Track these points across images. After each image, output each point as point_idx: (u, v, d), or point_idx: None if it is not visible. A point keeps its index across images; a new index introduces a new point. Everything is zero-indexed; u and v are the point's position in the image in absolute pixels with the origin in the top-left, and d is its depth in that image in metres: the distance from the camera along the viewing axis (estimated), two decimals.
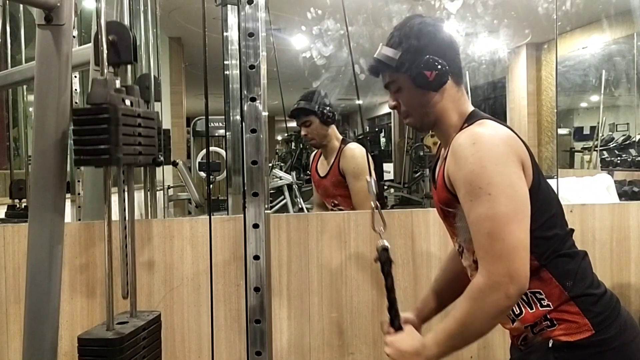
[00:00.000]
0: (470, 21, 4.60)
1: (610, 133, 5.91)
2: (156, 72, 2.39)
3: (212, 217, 1.88)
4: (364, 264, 2.02)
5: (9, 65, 2.77)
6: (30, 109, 2.97)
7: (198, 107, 7.39)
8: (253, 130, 1.27)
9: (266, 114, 1.30)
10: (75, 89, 2.81)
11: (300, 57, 5.35)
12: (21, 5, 2.87)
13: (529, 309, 1.19)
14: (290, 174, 5.36)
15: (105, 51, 1.04)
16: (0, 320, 1.91)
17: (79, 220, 2.60)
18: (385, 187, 7.52)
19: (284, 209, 5.26)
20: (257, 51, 1.27)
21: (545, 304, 1.17)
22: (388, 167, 9.80)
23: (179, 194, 5.24)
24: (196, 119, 6.01)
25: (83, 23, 2.70)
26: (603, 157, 5.50)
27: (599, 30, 5.70)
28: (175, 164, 3.51)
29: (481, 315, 1.10)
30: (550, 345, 1.16)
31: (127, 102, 1.04)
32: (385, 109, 11.65)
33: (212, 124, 5.49)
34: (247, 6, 1.27)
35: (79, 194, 2.73)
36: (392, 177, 9.57)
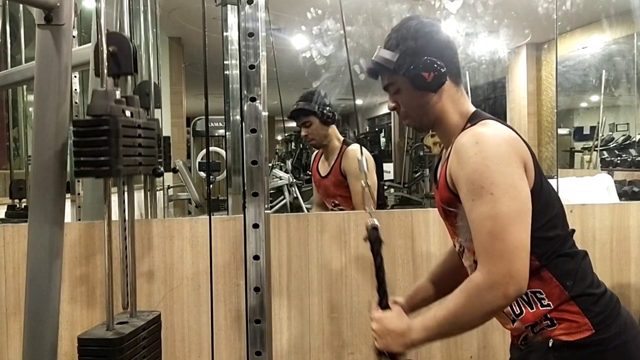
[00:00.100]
0: (470, 21, 4.60)
1: (610, 133, 5.91)
2: (156, 72, 2.39)
3: (212, 217, 1.88)
4: (364, 264, 2.02)
5: (9, 65, 2.77)
6: (30, 109, 2.97)
7: (198, 107, 7.39)
8: (253, 130, 1.27)
9: (266, 114, 1.30)
10: (75, 89, 2.81)
11: (300, 57, 5.34)
12: (21, 5, 2.87)
13: (529, 308, 1.19)
14: (288, 174, 5.35)
15: (105, 62, 1.05)
16: (0, 321, 1.91)
17: (79, 220, 2.60)
18: (385, 187, 7.52)
19: (284, 208, 5.27)
20: (257, 51, 1.27)
21: (546, 303, 1.17)
22: (388, 167, 9.80)
23: (179, 194, 5.24)
24: (196, 119, 6.02)
25: (83, 23, 2.70)
26: (603, 157, 5.50)
27: (599, 30, 5.70)
28: (175, 171, 3.52)
29: (475, 311, 1.11)
30: (550, 344, 1.17)
31: (127, 113, 1.04)
32: (385, 109, 11.60)
33: (212, 124, 5.49)
34: (247, 6, 1.27)
35: (79, 194, 2.73)
36: (392, 177, 9.57)
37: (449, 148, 1.23)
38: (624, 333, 1.17)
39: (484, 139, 1.12)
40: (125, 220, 1.19)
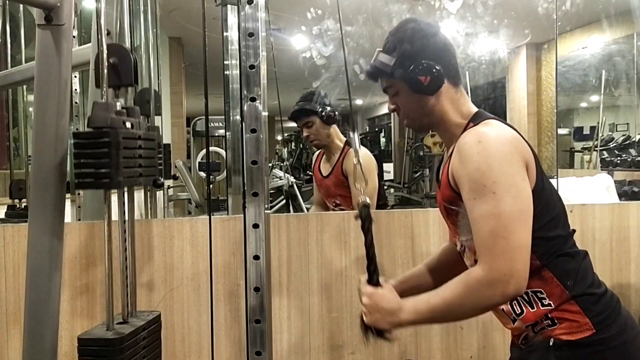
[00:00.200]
0: (470, 21, 4.60)
1: (610, 133, 5.91)
2: (156, 72, 2.39)
3: (212, 217, 1.88)
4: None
5: (9, 65, 2.77)
6: (30, 109, 2.98)
7: (198, 107, 7.38)
8: (253, 130, 1.27)
9: (266, 114, 1.30)
10: (75, 89, 2.81)
11: (300, 57, 5.34)
12: (21, 5, 2.87)
13: (530, 308, 1.19)
14: (288, 175, 5.33)
15: (106, 74, 1.05)
16: (0, 320, 1.92)
17: (79, 220, 2.60)
18: (385, 187, 7.52)
19: (284, 208, 5.26)
20: (257, 51, 1.27)
21: (547, 303, 1.17)
22: (388, 167, 9.80)
23: (179, 194, 5.24)
24: (196, 119, 6.01)
25: (83, 23, 2.70)
26: (603, 157, 5.50)
27: (599, 30, 5.70)
28: (175, 177, 3.52)
29: (471, 304, 1.11)
30: (550, 343, 1.17)
31: (128, 124, 1.04)
32: (385, 109, 11.61)
33: (212, 124, 5.49)
34: (247, 6, 1.27)
35: (79, 194, 2.73)
36: (392, 177, 9.58)
37: (451, 148, 1.23)
38: (624, 333, 1.17)
39: (487, 138, 1.12)
40: (125, 220, 1.19)
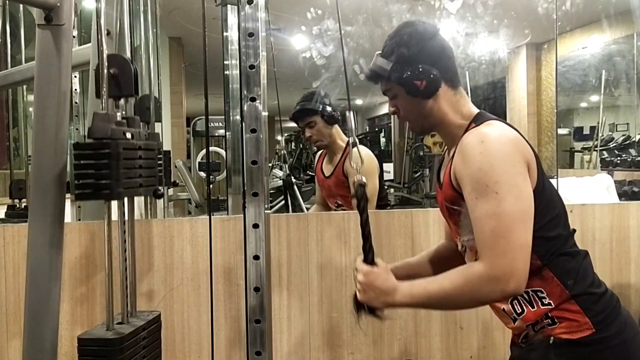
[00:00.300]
0: (470, 21, 4.60)
1: (610, 133, 5.91)
2: (156, 72, 2.39)
3: (212, 217, 1.88)
4: None
5: (9, 65, 2.77)
6: (30, 109, 2.98)
7: (198, 107, 7.38)
8: (253, 130, 1.27)
9: (266, 114, 1.30)
10: (75, 89, 2.81)
11: (300, 57, 5.34)
12: (21, 5, 2.87)
13: (530, 307, 1.20)
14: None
15: (106, 84, 1.05)
16: (0, 320, 1.92)
17: (79, 220, 2.60)
18: (385, 187, 7.51)
19: (284, 208, 5.25)
20: (257, 51, 1.27)
21: (547, 302, 1.18)
22: (388, 167, 9.80)
23: (179, 194, 5.24)
24: (196, 119, 6.01)
25: (83, 23, 2.70)
26: (603, 157, 5.50)
27: (599, 30, 5.70)
28: (175, 184, 3.52)
29: (468, 298, 1.12)
30: (550, 342, 1.18)
31: (128, 135, 1.05)
32: (385, 109, 11.62)
33: (212, 124, 5.48)
34: (247, 6, 1.27)
35: None
36: (392, 177, 9.57)
37: (453, 148, 1.24)
38: (623, 332, 1.18)
39: (489, 138, 1.13)
40: (125, 220, 1.19)
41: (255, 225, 1.28)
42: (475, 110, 1.27)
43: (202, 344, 1.98)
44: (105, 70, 1.05)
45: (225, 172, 3.02)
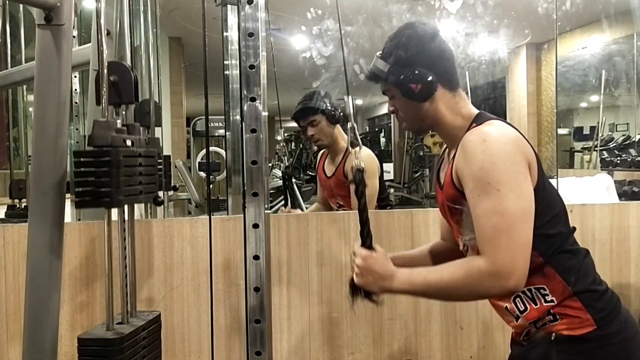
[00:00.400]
0: (470, 21, 4.60)
1: (610, 133, 5.91)
2: (156, 72, 2.39)
3: (212, 217, 1.88)
4: None
5: (9, 65, 2.77)
6: (30, 109, 2.98)
7: (198, 107, 7.39)
8: (253, 130, 1.27)
9: (266, 114, 1.29)
10: (75, 89, 2.81)
11: (300, 57, 5.34)
12: (21, 5, 2.87)
13: (533, 305, 1.21)
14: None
15: (106, 92, 1.05)
16: (0, 320, 1.92)
17: (79, 220, 2.60)
18: (386, 188, 7.51)
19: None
20: (257, 51, 1.27)
21: (549, 299, 1.19)
22: (388, 167, 9.80)
23: (179, 194, 5.24)
24: (196, 119, 6.01)
25: (83, 23, 2.70)
26: (603, 157, 5.50)
27: (599, 30, 5.70)
28: (175, 189, 3.53)
29: (467, 291, 1.13)
30: (552, 338, 1.19)
31: (128, 142, 1.05)
32: (385, 109, 11.63)
33: (212, 124, 5.48)
34: (247, 6, 1.27)
35: None
36: (392, 177, 9.57)
37: (453, 149, 1.24)
38: (624, 330, 1.19)
39: (491, 137, 1.14)
40: (125, 220, 1.19)
41: (255, 225, 1.28)
42: (476, 111, 1.28)
43: (202, 344, 1.98)
44: (106, 78, 1.05)
45: (225, 172, 3.02)
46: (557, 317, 1.18)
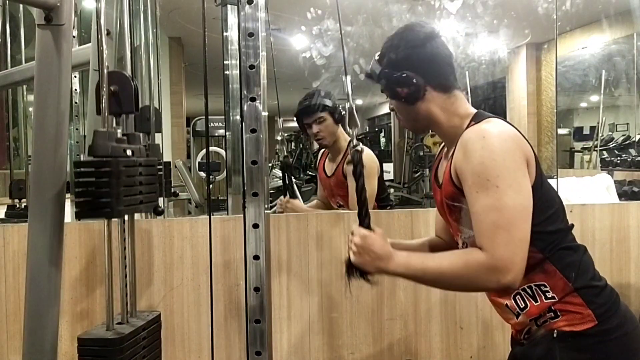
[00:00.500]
0: (470, 21, 4.60)
1: (610, 133, 5.91)
2: (156, 72, 2.39)
3: (212, 217, 1.88)
4: None
5: (9, 65, 2.77)
6: (30, 109, 2.98)
7: (198, 107, 7.38)
8: (253, 130, 1.27)
9: (266, 114, 1.30)
10: (75, 89, 2.81)
11: (300, 57, 5.34)
12: (21, 5, 2.87)
13: (533, 302, 1.21)
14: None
15: (106, 102, 1.05)
16: (0, 320, 1.92)
17: (79, 220, 2.60)
18: (387, 187, 7.50)
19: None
20: (257, 51, 1.27)
21: (550, 296, 1.20)
22: (388, 167, 9.80)
23: (179, 194, 5.24)
24: (196, 119, 6.01)
25: (83, 23, 2.70)
26: (603, 157, 5.50)
27: (599, 30, 5.70)
28: (175, 195, 3.52)
29: (463, 282, 1.14)
30: (554, 335, 1.19)
31: (129, 152, 1.05)
32: (385, 109, 11.65)
33: (212, 124, 5.48)
34: (247, 6, 1.27)
35: None
36: (392, 177, 9.57)
37: (452, 147, 1.24)
38: (624, 325, 1.20)
39: (490, 134, 1.15)
40: (125, 220, 1.19)
41: (255, 225, 1.28)
42: (474, 110, 1.28)
43: (202, 344, 1.98)
44: (106, 88, 1.05)
45: (225, 172, 3.02)
46: (558, 313, 1.19)
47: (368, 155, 2.42)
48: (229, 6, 2.29)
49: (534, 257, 1.15)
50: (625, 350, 1.19)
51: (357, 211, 1.27)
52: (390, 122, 11.52)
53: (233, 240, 1.98)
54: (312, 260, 2.03)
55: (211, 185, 5.03)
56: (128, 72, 1.44)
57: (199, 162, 5.33)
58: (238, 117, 2.30)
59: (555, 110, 6.20)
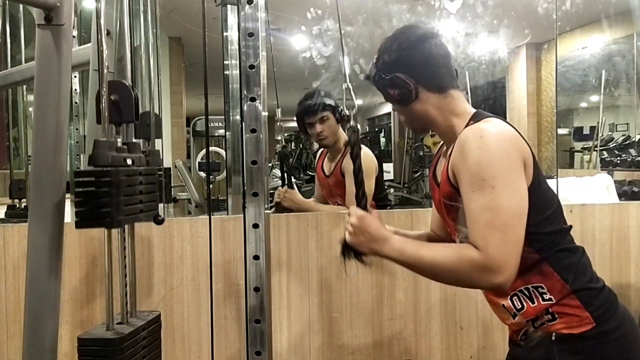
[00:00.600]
0: (470, 21, 4.60)
1: (610, 133, 5.92)
2: (156, 72, 2.38)
3: (212, 217, 1.88)
4: None
5: (9, 65, 2.77)
6: (30, 109, 2.98)
7: (198, 107, 7.38)
8: (253, 130, 1.27)
9: (266, 114, 1.30)
10: (75, 89, 2.81)
11: (300, 57, 5.34)
12: (21, 5, 2.87)
13: (530, 303, 1.21)
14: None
15: (107, 111, 1.05)
16: (0, 320, 1.92)
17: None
18: (386, 187, 7.50)
19: None
20: (257, 51, 1.27)
21: (547, 297, 1.19)
22: (388, 167, 9.80)
23: (179, 194, 5.24)
24: (196, 119, 6.02)
25: (83, 23, 2.70)
26: (603, 157, 5.50)
27: (599, 30, 5.70)
28: (176, 201, 3.51)
29: (455, 276, 1.14)
30: (553, 338, 1.19)
31: (129, 161, 1.05)
32: (385, 109, 11.66)
33: (212, 124, 5.49)
34: (247, 6, 1.27)
35: None
36: (392, 177, 9.57)
37: (450, 146, 1.24)
38: (622, 326, 1.20)
39: (488, 134, 1.14)
40: (125, 229, 1.19)
41: (255, 225, 1.28)
42: (472, 110, 1.28)
43: (202, 344, 1.98)
44: (106, 97, 1.05)
45: (225, 172, 3.02)
46: (556, 316, 1.19)
47: (366, 154, 2.42)
48: (229, 6, 2.29)
49: (531, 258, 1.14)
50: (624, 351, 1.19)
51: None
52: (390, 122, 11.51)
53: (233, 240, 1.98)
54: (312, 260, 2.03)
55: (211, 185, 5.04)
56: (128, 74, 1.45)
57: (199, 162, 5.33)
58: (238, 117, 2.31)
59: (555, 110, 6.20)
